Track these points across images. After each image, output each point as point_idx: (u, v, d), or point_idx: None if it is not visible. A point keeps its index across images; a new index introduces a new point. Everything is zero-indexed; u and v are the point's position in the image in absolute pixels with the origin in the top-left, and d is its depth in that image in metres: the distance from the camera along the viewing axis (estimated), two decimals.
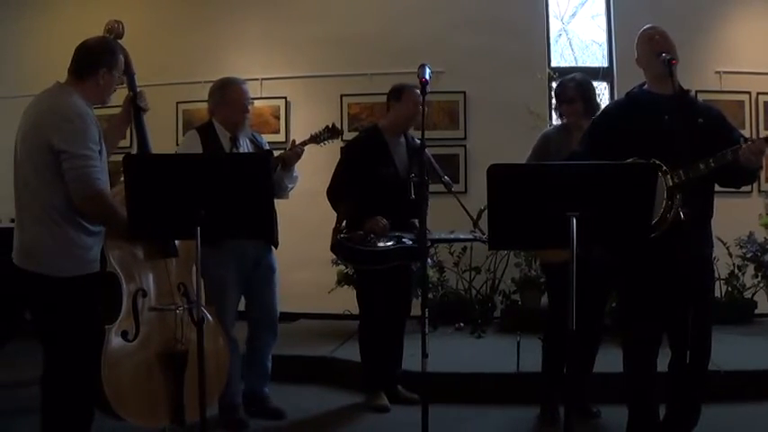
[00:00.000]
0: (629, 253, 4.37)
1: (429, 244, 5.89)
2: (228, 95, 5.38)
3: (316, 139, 5.55)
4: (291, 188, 5.58)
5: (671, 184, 4.15)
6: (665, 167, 4.12)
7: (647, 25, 4.59)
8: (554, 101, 5.88)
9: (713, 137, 4.24)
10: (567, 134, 5.45)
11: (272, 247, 5.58)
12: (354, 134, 6.85)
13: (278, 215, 5.07)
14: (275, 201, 5.46)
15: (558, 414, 5.41)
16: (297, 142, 5.46)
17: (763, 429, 5.27)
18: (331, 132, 5.61)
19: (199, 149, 5.21)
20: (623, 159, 4.07)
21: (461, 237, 6.20)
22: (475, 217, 5.69)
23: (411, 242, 5.58)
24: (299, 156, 5.44)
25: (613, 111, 4.77)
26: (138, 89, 4.66)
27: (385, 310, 5.84)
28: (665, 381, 4.44)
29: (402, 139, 5.90)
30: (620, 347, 4.59)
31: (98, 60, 4.11)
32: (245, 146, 5.43)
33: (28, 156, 3.93)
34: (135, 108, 4.62)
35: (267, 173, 4.14)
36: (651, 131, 4.27)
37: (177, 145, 8.73)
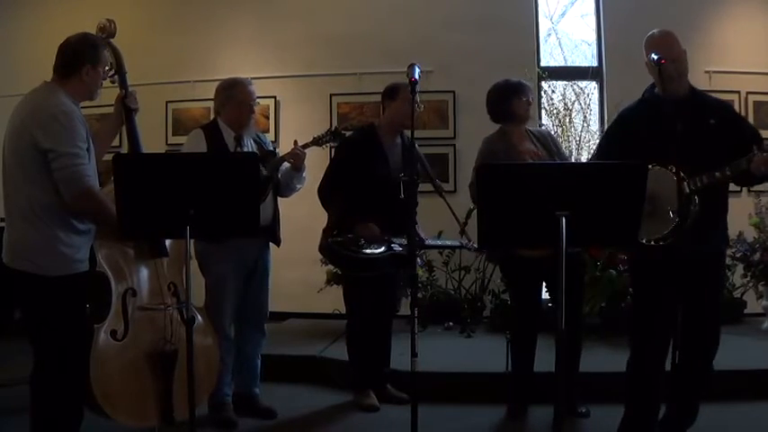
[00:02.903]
0: (643, 251, 4.36)
1: (418, 251, 5.87)
2: (235, 95, 5.42)
3: (318, 141, 5.57)
4: (300, 188, 5.65)
5: (687, 191, 4.15)
6: (682, 174, 4.11)
7: (656, 31, 4.53)
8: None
9: (726, 137, 4.24)
10: (508, 136, 5.55)
11: (270, 247, 5.62)
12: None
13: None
14: (278, 200, 5.53)
15: (526, 410, 5.58)
16: (299, 143, 5.49)
17: (753, 429, 5.28)
18: (333, 135, 5.63)
19: (203, 148, 5.24)
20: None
21: (449, 244, 6.19)
22: (464, 217, 5.69)
23: (401, 248, 5.56)
24: (300, 157, 5.46)
25: (627, 117, 4.70)
26: (131, 89, 4.67)
27: (372, 310, 5.84)
28: (668, 380, 4.44)
29: (398, 140, 5.87)
30: (627, 347, 4.61)
31: (81, 57, 4.10)
32: (248, 146, 5.46)
33: (15, 155, 3.93)
34: (126, 109, 4.62)
35: (256, 173, 4.14)
36: (665, 136, 4.22)
37: (167, 144, 8.76)
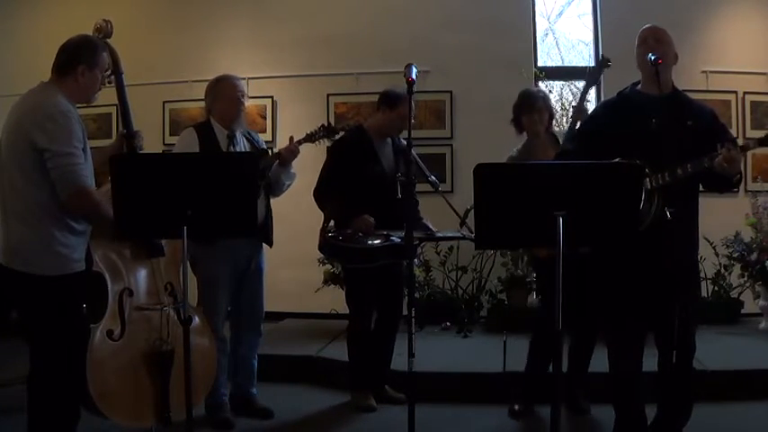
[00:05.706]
0: (615, 252, 4.37)
1: (417, 242, 5.85)
2: (221, 90, 5.41)
3: (311, 137, 5.57)
4: (289, 185, 5.61)
5: (649, 186, 4.14)
6: (646, 170, 4.10)
7: (647, 25, 4.55)
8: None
9: (703, 139, 4.18)
10: (532, 149, 5.56)
11: (263, 247, 5.60)
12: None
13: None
14: (270, 200, 5.50)
15: (532, 410, 5.59)
16: (294, 139, 5.49)
17: (750, 429, 5.29)
18: (326, 131, 5.63)
19: (196, 147, 5.23)
20: (609, 159, 4.06)
21: (450, 235, 6.19)
22: (462, 216, 5.68)
23: (400, 240, 5.54)
24: (295, 153, 5.46)
25: (603, 110, 4.76)
26: (136, 129, 4.68)
27: (375, 311, 5.85)
28: (654, 381, 4.45)
29: (388, 139, 5.89)
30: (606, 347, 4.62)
31: (76, 57, 4.08)
32: (241, 144, 5.45)
33: (12, 155, 3.92)
34: (129, 146, 4.63)
35: (254, 173, 4.13)
36: (638, 132, 4.24)
37: (164, 144, 8.75)
